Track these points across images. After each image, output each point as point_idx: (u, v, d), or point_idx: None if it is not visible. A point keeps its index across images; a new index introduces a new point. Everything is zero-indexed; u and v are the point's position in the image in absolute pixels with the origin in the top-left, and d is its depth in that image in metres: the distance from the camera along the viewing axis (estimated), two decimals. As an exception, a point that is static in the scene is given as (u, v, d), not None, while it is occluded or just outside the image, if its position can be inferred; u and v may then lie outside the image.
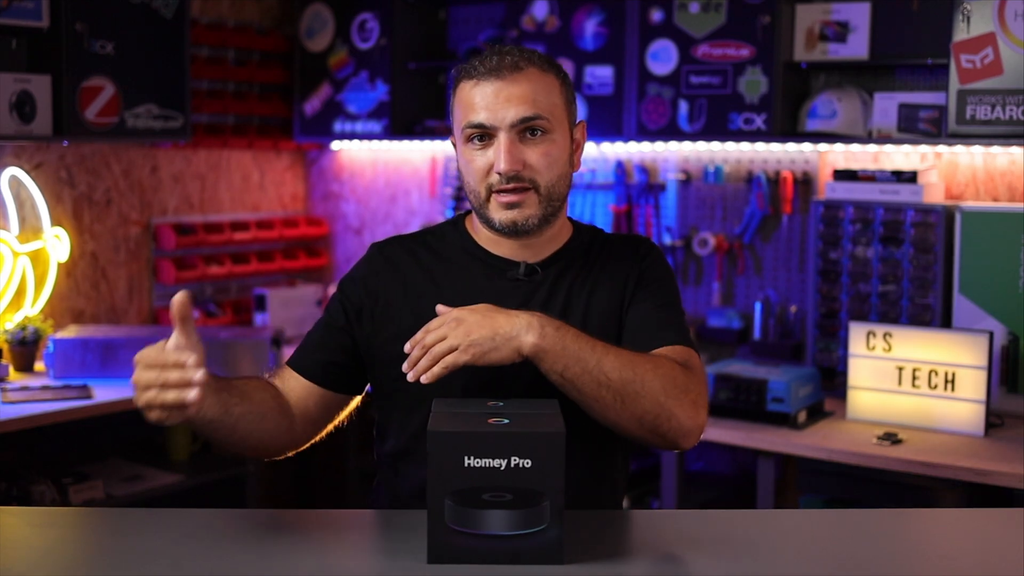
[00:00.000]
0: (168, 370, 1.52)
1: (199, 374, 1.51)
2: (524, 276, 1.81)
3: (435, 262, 1.85)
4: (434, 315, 1.71)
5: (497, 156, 1.73)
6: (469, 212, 1.89)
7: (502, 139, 1.73)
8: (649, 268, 1.87)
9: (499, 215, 1.76)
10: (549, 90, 1.77)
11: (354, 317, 1.84)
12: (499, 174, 1.73)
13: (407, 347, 1.63)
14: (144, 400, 1.53)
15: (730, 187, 3.66)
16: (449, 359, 1.59)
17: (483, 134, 1.75)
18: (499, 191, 1.75)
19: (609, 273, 1.84)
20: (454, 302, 1.74)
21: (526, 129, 1.74)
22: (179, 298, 1.57)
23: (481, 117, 1.74)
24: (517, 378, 1.72)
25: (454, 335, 1.60)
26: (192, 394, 1.51)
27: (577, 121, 1.85)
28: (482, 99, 1.74)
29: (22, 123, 3.21)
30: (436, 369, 1.59)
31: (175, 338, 1.56)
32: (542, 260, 1.83)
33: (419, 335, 1.63)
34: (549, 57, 1.83)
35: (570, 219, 1.92)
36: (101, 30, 3.38)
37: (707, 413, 1.74)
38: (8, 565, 1.49)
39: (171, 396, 1.51)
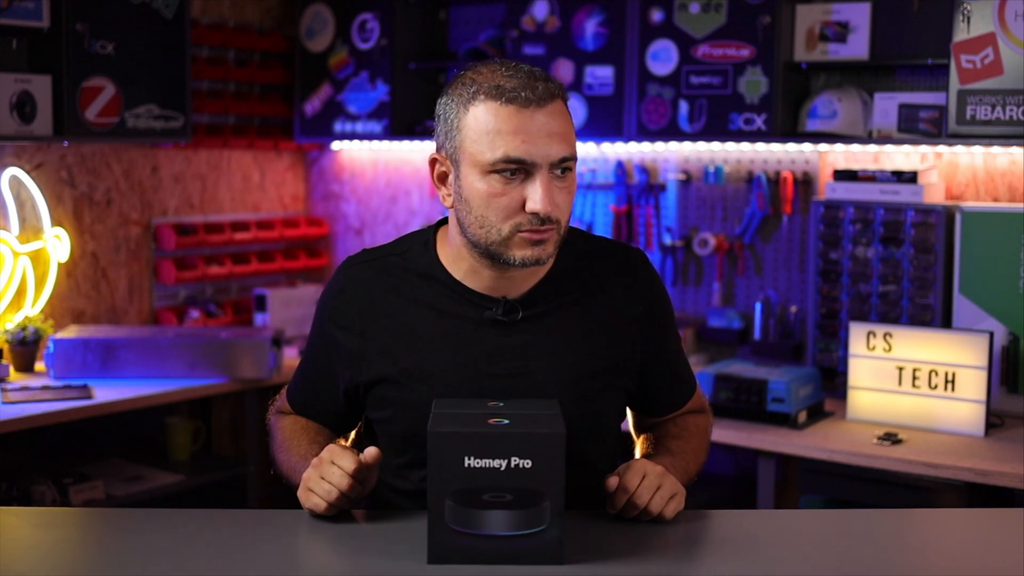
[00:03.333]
0: (355, 484, 1.61)
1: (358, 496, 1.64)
2: (503, 317, 1.70)
3: (405, 295, 1.73)
4: (407, 359, 1.70)
5: (534, 196, 1.58)
6: (439, 227, 1.77)
7: (541, 178, 1.59)
8: (655, 304, 1.81)
9: (522, 252, 1.62)
10: (571, 123, 1.65)
11: (334, 358, 1.78)
12: (536, 215, 1.59)
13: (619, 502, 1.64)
14: (326, 492, 1.61)
15: (730, 187, 3.66)
16: (675, 505, 1.67)
17: (518, 168, 1.60)
18: (529, 231, 1.61)
19: (600, 291, 1.76)
20: (427, 347, 1.70)
21: (558, 168, 1.62)
22: (373, 452, 1.63)
23: (522, 152, 1.58)
24: (517, 386, 1.71)
25: (667, 485, 1.66)
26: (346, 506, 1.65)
27: None
28: (522, 130, 1.58)
29: (22, 123, 3.21)
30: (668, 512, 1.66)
31: (354, 461, 1.62)
32: (523, 295, 1.71)
33: (633, 500, 1.63)
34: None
35: None
36: (101, 30, 3.38)
37: None
38: (8, 565, 1.49)
39: (341, 504, 1.63)
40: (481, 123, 1.60)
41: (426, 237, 1.77)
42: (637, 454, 1.85)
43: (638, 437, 1.91)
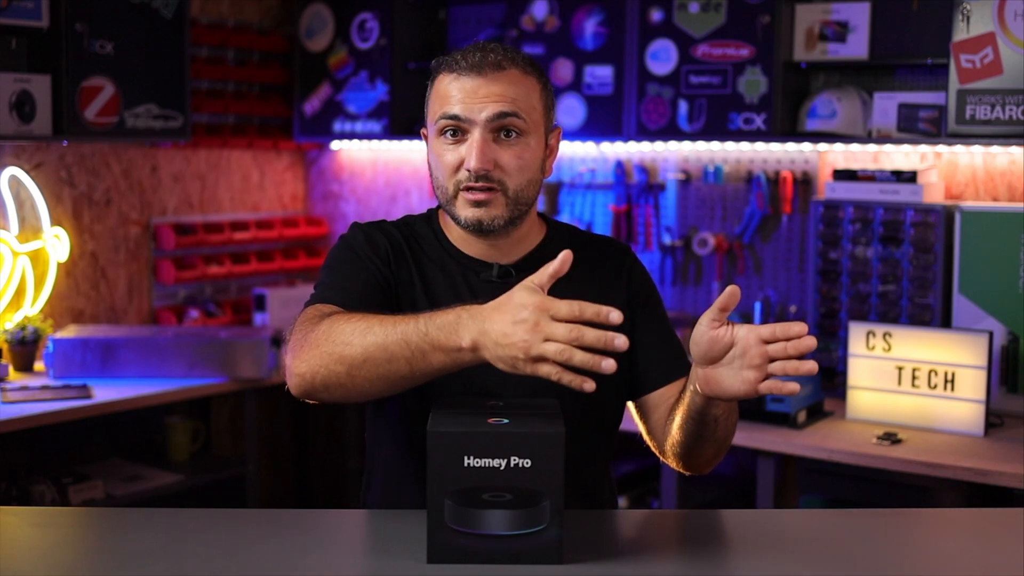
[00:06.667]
0: (583, 328, 1.37)
1: (620, 340, 1.38)
2: (497, 278, 1.78)
3: (415, 253, 1.82)
4: (420, 305, 1.71)
5: (469, 152, 1.70)
6: (440, 207, 1.85)
7: (476, 136, 1.70)
8: (639, 286, 1.87)
9: (465, 212, 1.72)
10: (529, 92, 1.73)
11: (379, 262, 1.77)
12: (468, 171, 1.70)
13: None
14: (560, 352, 1.37)
15: (730, 187, 3.66)
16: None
17: (456, 128, 1.71)
18: (467, 188, 1.71)
19: (588, 279, 1.81)
20: (436, 297, 1.76)
21: (501, 129, 1.71)
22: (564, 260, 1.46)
23: (456, 110, 1.70)
24: (517, 382, 1.71)
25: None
26: (610, 364, 1.38)
27: (554, 127, 1.81)
28: (459, 93, 1.70)
29: (22, 123, 3.21)
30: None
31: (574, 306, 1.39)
32: (514, 262, 1.80)
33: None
34: (532, 59, 1.79)
35: (544, 217, 1.89)
36: (101, 30, 3.38)
37: None
38: (8, 565, 1.49)
39: (581, 358, 1.36)
40: (435, 91, 1.76)
41: (429, 214, 1.89)
42: (678, 419, 1.75)
43: (670, 416, 1.81)
